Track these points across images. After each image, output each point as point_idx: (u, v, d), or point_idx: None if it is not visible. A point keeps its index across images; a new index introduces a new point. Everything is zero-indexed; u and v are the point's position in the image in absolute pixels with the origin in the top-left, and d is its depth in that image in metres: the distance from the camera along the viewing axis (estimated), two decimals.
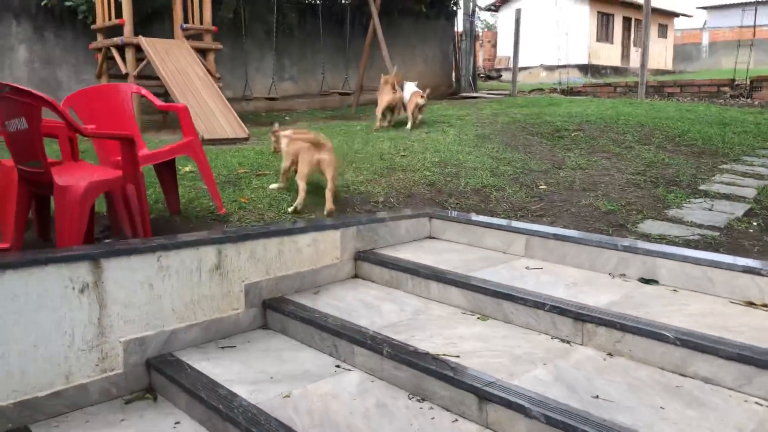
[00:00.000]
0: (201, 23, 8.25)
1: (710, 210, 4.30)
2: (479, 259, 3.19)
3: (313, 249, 3.14)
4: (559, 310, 2.43)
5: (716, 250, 3.44)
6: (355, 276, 3.31)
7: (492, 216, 4.21)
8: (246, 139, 7.00)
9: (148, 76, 8.30)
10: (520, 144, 6.99)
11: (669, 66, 33.92)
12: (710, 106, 10.13)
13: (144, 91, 4.01)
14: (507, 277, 2.86)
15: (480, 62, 26.07)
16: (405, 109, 8.11)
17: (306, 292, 3.06)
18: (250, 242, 2.90)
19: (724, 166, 5.85)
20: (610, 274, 2.84)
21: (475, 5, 15.52)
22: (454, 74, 15.85)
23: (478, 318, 2.67)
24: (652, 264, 2.70)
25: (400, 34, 14.57)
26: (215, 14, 10.45)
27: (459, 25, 16.02)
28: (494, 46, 33.56)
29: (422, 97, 7.95)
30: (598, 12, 28.27)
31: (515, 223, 3.38)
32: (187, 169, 4.93)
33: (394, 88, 7.92)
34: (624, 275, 2.80)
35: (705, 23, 40.55)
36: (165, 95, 7.82)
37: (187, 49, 7.81)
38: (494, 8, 32.57)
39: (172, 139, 6.25)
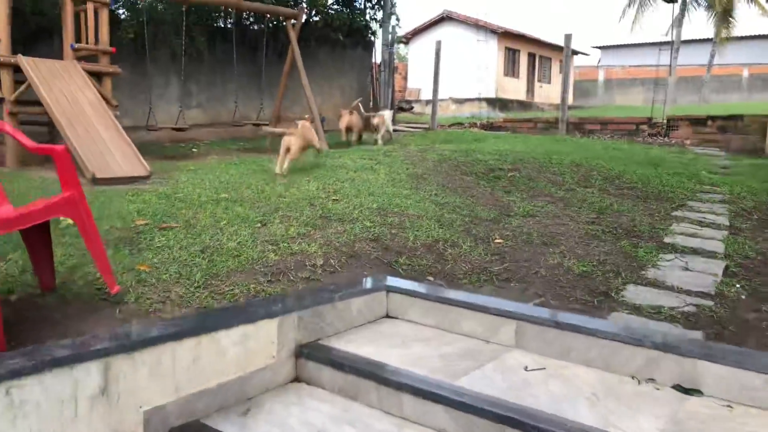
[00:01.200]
0: (96, 43, 7.16)
1: (687, 269, 3.85)
2: (460, 353, 2.48)
3: (241, 348, 2.31)
4: None
5: (725, 328, 2.93)
6: (297, 379, 2.49)
7: (452, 281, 3.54)
8: (147, 177, 6.00)
9: (29, 101, 7.10)
10: (458, 186, 6.43)
11: (570, 101, 35.38)
12: (633, 144, 10.14)
13: (8, 128, 3.04)
14: (504, 386, 2.16)
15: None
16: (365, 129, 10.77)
17: (232, 411, 2.21)
18: (153, 349, 2.04)
19: (676, 213, 5.54)
20: (633, 377, 2.23)
21: (394, 36, 15.17)
22: (372, 106, 15.35)
23: None
24: (692, 367, 2.11)
25: (317, 64, 13.91)
26: (114, 34, 9.34)
27: (376, 56, 15.60)
28: (405, 77, 33.72)
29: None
30: (506, 48, 29.03)
31: (500, 303, 2.69)
32: (70, 221, 3.93)
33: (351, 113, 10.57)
34: (653, 380, 2.18)
35: (599, 61, 42.94)
36: (50, 124, 6.67)
37: (78, 72, 6.72)
38: (405, 40, 32.76)
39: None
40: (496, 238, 4.38)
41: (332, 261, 3.59)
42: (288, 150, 6.49)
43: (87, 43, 7.29)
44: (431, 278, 3.56)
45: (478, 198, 5.83)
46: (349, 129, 10.58)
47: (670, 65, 16.54)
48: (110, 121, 6.25)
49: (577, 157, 8.25)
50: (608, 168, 7.54)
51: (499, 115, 19.42)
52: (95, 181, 5.56)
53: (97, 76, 7.20)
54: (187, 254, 3.51)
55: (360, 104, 11.18)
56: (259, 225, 4.22)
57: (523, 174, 7.17)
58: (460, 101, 28.83)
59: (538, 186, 6.61)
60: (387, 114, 10.79)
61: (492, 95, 27.22)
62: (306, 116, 9.44)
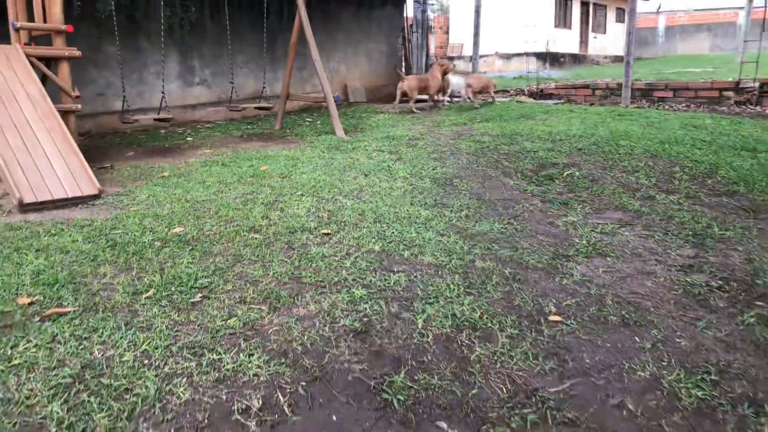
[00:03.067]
0: (45, 21, 5.81)
1: None
2: None
3: None
4: None
5: None
6: None
7: (478, 428, 2.11)
8: (96, 196, 4.70)
9: None
10: (498, 197, 4.90)
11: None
12: (717, 118, 8.28)
13: None
14: None
15: (432, 50, 23.95)
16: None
17: None
18: None
19: None
20: None
21: None
22: (404, 71, 13.68)
23: None
24: None
25: (339, 28, 12.30)
26: (87, 7, 8.00)
27: (408, 12, 13.84)
28: (446, 32, 31.53)
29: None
30: None
31: None
32: None
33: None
34: None
35: (659, 7, 39.56)
36: None
37: (19, 60, 5.40)
38: None
39: None
40: (551, 312, 2.90)
41: (281, 395, 2.19)
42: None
43: (36, 21, 5.92)
44: (443, 425, 2.13)
45: (524, 220, 4.30)
46: (404, 93, 10.17)
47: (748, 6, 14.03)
48: (55, 124, 4.94)
49: (650, 142, 6.55)
50: (694, 159, 5.84)
51: (550, 74, 17.40)
52: (23, 207, 4.30)
53: (48, 62, 5.87)
54: (47, 388, 2.17)
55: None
56: (194, 302, 2.86)
57: (584, 172, 5.56)
58: (506, 57, 26.69)
59: (605, 192, 5.01)
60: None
61: (542, 49, 24.92)
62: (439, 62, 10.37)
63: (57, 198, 4.48)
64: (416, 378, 2.34)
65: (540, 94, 11.60)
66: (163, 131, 8.75)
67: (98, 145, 7.82)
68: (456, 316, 2.79)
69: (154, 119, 6.75)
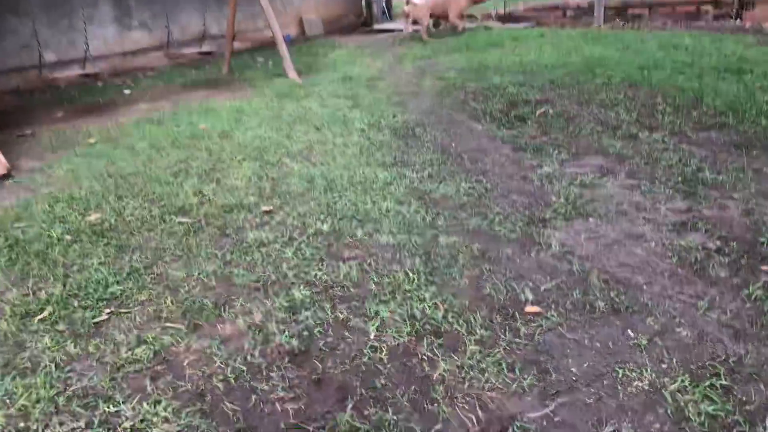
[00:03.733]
0: None
1: None
2: None
3: None
4: None
5: None
6: None
7: None
8: (5, 176, 4.07)
9: None
10: (464, 147, 4.39)
11: None
12: (696, 35, 7.71)
13: None
14: None
15: None
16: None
17: None
18: None
19: None
20: None
21: None
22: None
23: None
24: None
25: None
26: None
27: None
28: None
29: None
30: None
31: None
32: None
33: None
34: None
35: None
36: None
37: None
38: None
39: None
40: (527, 301, 2.45)
41: None
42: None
43: None
44: None
45: (494, 175, 3.81)
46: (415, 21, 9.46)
47: None
48: None
49: (628, 68, 6.01)
50: (677, 86, 5.34)
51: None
52: None
53: None
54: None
55: None
56: (98, 321, 2.35)
57: (558, 109, 5.05)
58: None
59: (582, 132, 4.52)
60: None
61: None
62: None
63: None
64: (366, 414, 1.89)
65: (509, 18, 10.84)
66: (100, 83, 7.94)
67: (24, 105, 7.04)
68: (415, 318, 2.33)
69: (79, 75, 5.99)
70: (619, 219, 3.14)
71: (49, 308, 2.42)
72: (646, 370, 2.04)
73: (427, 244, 2.89)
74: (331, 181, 3.73)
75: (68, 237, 3.09)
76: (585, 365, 2.09)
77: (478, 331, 2.26)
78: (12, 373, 2.03)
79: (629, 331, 2.25)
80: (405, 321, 2.30)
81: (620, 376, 2.03)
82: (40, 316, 2.37)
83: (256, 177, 3.85)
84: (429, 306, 2.40)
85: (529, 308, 2.41)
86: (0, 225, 3.26)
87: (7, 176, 4.07)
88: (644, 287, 2.53)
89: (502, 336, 2.24)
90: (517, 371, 2.07)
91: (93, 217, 3.33)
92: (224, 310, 2.38)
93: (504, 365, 2.09)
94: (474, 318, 2.33)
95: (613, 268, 2.68)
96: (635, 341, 2.19)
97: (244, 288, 2.54)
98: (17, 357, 2.12)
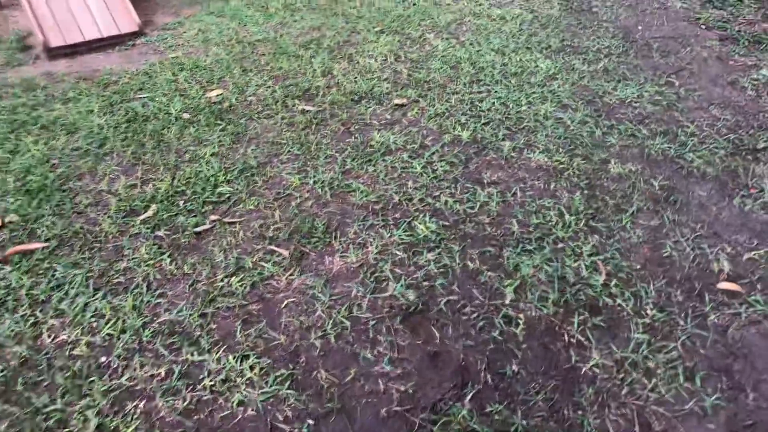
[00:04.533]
0: None
1: None
2: None
3: None
4: None
5: None
6: None
7: None
8: (136, 34, 3.86)
9: None
10: (654, 32, 3.53)
11: None
12: None
13: None
14: None
15: None
16: None
17: None
18: None
19: None
20: None
21: None
22: None
23: None
24: None
25: None
26: None
27: None
28: None
29: None
30: None
31: None
32: None
33: None
34: None
35: None
36: None
37: None
38: None
39: None
40: (721, 274, 1.85)
41: None
42: None
43: None
44: None
45: (691, 76, 2.98)
46: None
47: None
48: None
49: None
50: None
51: None
52: (50, 52, 3.59)
53: None
54: None
55: None
56: (200, 231, 2.09)
57: None
58: None
59: None
60: None
61: None
62: None
63: (90, 39, 3.71)
64: (488, 411, 1.50)
65: None
66: None
67: None
68: (567, 281, 1.82)
69: None
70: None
71: (153, 207, 2.20)
72: None
73: (592, 173, 2.29)
74: (480, 69, 3.10)
75: (186, 116, 2.83)
76: None
77: (649, 311, 1.73)
78: (105, 288, 1.85)
79: None
80: (553, 284, 1.81)
81: None
82: (143, 216, 2.16)
83: (393, 56, 3.31)
84: (587, 266, 1.87)
85: (723, 284, 1.81)
86: (123, 94, 3.07)
87: (138, 33, 3.87)
88: None
89: (682, 323, 1.69)
90: (697, 381, 1.54)
91: (214, 93, 3.04)
92: (335, 237, 2.02)
93: (680, 369, 1.57)
94: (646, 291, 1.79)
95: None
96: None
97: (360, 209, 2.14)
98: (113, 267, 1.93)
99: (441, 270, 1.87)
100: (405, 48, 3.41)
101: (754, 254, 1.90)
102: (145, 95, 3.06)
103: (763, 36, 3.35)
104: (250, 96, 3.00)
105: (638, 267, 1.87)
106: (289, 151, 2.52)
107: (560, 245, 1.95)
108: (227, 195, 2.27)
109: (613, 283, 1.81)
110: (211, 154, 2.52)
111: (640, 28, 3.53)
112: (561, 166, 2.33)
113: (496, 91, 2.88)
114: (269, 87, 3.06)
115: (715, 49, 3.25)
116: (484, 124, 2.62)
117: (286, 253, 1.96)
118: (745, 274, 1.84)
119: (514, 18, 3.73)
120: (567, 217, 2.06)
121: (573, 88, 2.89)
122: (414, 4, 4.06)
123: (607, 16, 3.70)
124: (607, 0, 3.95)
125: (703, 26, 3.52)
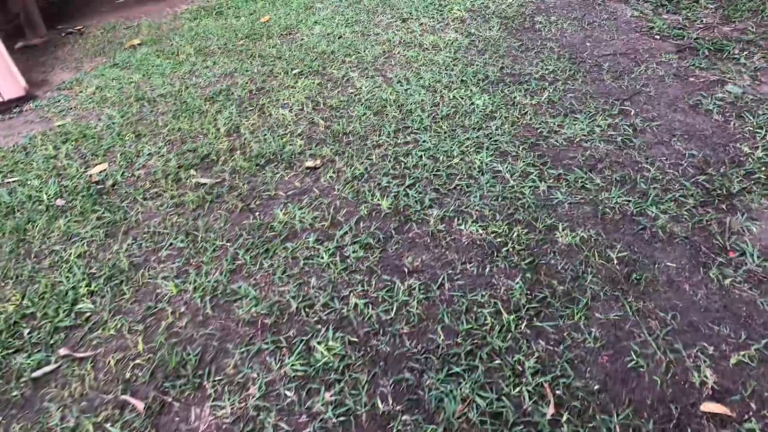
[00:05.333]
0: None
1: None
2: None
3: None
4: None
5: None
6: None
7: None
8: (24, 99, 3.39)
9: None
10: (604, 49, 3.16)
11: None
12: None
13: None
14: None
15: None
16: None
17: None
18: None
19: None
20: None
21: None
22: None
23: None
24: None
25: None
26: None
27: None
28: None
29: None
30: None
31: None
32: None
33: None
34: None
35: None
36: None
37: None
38: None
39: None
40: (704, 388, 1.42)
41: None
42: None
43: None
44: None
45: (647, 102, 2.58)
46: None
47: None
48: None
49: None
50: None
51: None
52: None
53: None
54: None
55: None
56: None
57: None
58: None
59: None
60: None
61: None
62: None
63: None
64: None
65: None
66: None
67: None
68: (504, 420, 1.38)
69: None
70: None
71: None
72: None
73: (536, 246, 1.86)
74: (408, 112, 2.67)
75: (60, 202, 2.37)
76: None
77: None
78: None
79: None
80: (486, 427, 1.37)
81: None
82: None
83: (311, 104, 2.87)
84: (530, 392, 1.43)
85: (708, 406, 1.39)
86: None
87: (26, 98, 3.39)
88: None
89: None
90: None
91: (97, 169, 2.58)
92: (208, 375, 1.56)
93: None
94: (608, 427, 1.35)
95: None
96: None
97: (247, 326, 1.69)
98: None
99: (341, 419, 1.42)
100: (325, 92, 2.98)
101: (743, 355, 1.48)
102: (15, 178, 2.59)
103: (725, 42, 2.97)
104: (138, 169, 2.54)
105: (596, 388, 1.44)
106: (171, 244, 2.06)
107: (496, 361, 1.51)
108: (87, 314, 1.81)
109: (564, 418, 1.37)
110: (77, 256, 2.06)
111: (588, 45, 3.14)
112: (498, 239, 1.90)
113: (424, 141, 2.45)
114: (162, 156, 2.61)
115: (672, 64, 2.86)
116: (408, 186, 2.19)
117: (141, 406, 1.50)
118: (734, 388, 1.41)
119: (448, 45, 3.32)
120: (505, 317, 1.63)
121: (513, 128, 2.47)
122: (339, 37, 3.64)
123: (552, 34, 3.31)
124: (551, 14, 3.56)
125: (658, 36, 3.14)
